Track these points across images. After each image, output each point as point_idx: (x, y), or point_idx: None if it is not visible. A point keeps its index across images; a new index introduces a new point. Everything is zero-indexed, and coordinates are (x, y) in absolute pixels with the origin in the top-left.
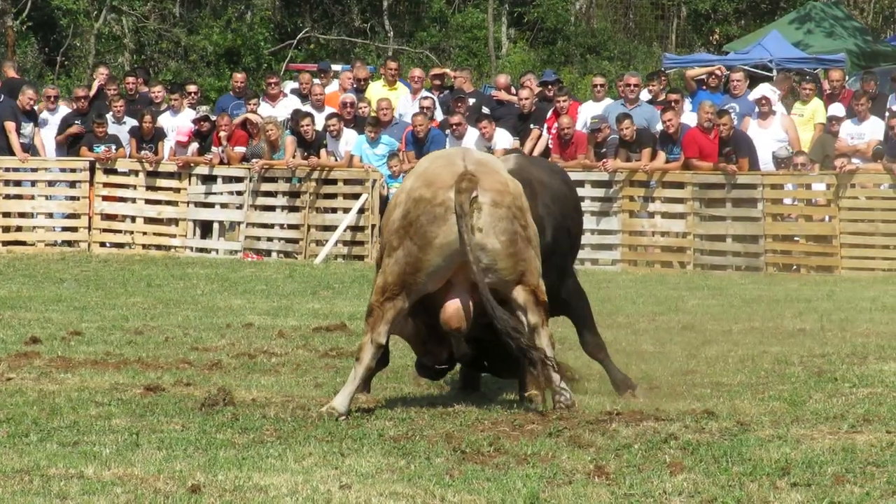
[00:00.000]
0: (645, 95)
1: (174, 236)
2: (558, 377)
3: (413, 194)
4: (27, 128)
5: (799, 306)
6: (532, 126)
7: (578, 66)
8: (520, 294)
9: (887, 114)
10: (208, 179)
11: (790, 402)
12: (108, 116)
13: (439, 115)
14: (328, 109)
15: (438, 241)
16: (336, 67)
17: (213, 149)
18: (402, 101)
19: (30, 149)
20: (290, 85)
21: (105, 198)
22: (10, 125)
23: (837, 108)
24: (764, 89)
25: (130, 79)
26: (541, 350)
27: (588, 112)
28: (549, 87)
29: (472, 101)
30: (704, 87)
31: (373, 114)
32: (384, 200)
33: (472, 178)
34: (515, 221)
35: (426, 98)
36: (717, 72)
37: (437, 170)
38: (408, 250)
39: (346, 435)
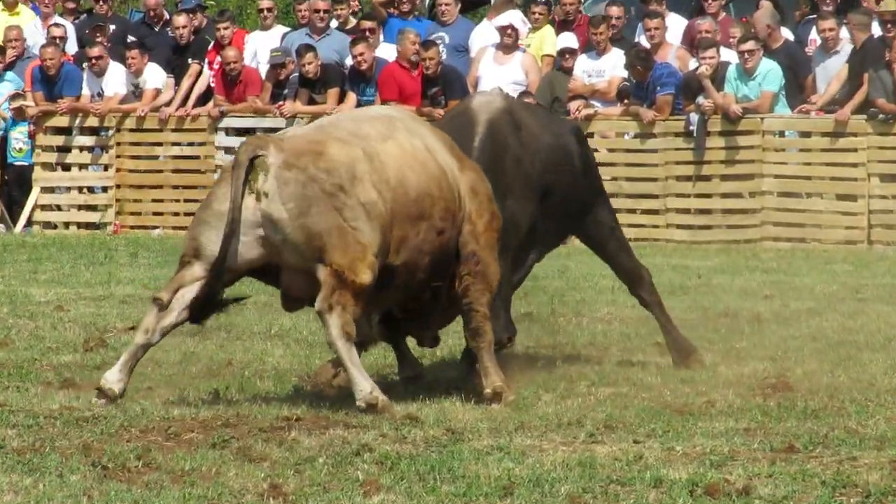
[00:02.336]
0: (333, 23)
1: None
2: (356, 371)
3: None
4: None
5: (524, 285)
6: (190, 60)
7: None
8: (321, 273)
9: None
10: None
11: (513, 405)
12: None
13: (74, 47)
14: None
15: (216, 204)
16: None
17: None
18: (30, 30)
19: None
20: None
21: None
22: None
23: (569, 39)
24: (513, 17)
25: None
26: (333, 345)
27: (258, 43)
28: (192, 14)
29: (112, 27)
30: (395, 13)
31: None
32: (3, 148)
33: (252, 141)
34: (313, 186)
35: (58, 26)
36: None
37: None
38: (196, 215)
39: None
